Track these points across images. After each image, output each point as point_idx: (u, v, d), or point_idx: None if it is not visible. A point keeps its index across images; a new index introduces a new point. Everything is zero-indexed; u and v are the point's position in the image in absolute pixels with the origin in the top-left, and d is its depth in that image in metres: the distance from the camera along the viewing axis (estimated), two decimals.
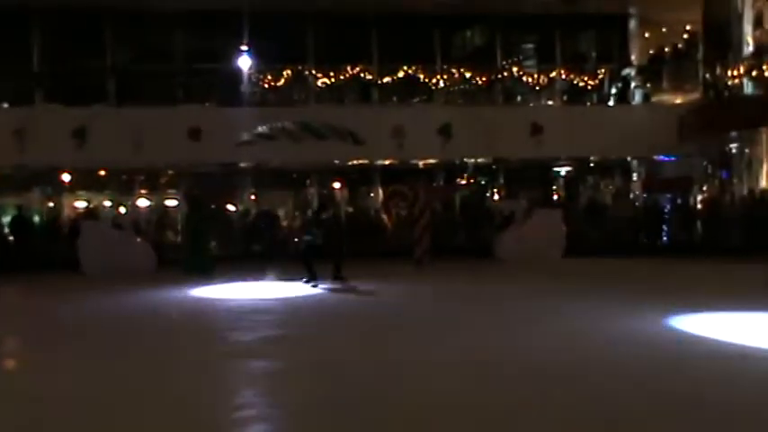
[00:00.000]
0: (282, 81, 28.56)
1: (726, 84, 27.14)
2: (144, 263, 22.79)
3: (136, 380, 8.90)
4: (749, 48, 27.41)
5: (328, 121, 27.46)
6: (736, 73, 26.84)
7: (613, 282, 18.44)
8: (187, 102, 27.80)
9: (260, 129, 27.27)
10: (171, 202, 29.41)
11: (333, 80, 28.68)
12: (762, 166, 27.50)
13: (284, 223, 28.66)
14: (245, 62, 28.20)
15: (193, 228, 22.79)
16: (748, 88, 26.66)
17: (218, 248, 25.92)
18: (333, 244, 18.98)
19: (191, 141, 26.62)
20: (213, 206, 27.38)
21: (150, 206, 29.20)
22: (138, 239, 24.30)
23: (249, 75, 28.35)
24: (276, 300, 16.22)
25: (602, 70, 30.37)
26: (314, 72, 28.79)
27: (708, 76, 28.53)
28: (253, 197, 30.06)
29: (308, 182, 30.35)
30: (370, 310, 14.55)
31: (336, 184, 30.64)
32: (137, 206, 28.91)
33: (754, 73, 26.21)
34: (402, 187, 25.17)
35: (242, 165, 28.84)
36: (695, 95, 29.05)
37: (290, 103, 28.52)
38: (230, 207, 29.53)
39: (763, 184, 27.16)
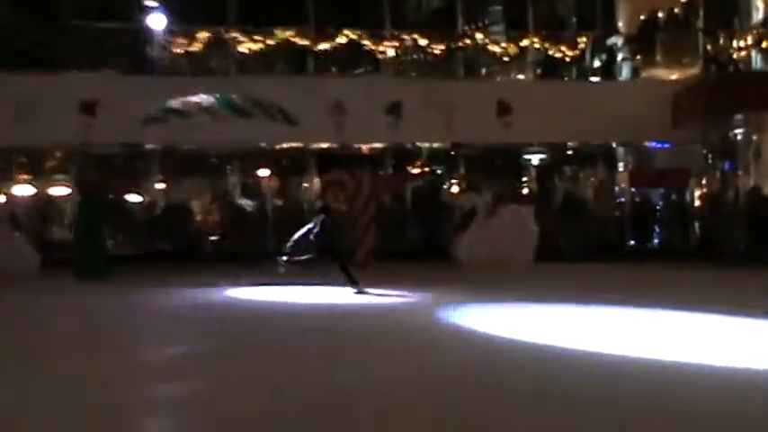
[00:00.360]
0: (198, 46, 28.62)
1: (730, 57, 27.59)
2: (22, 264, 22.56)
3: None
4: (758, 14, 27.58)
5: (254, 95, 27.52)
6: (742, 44, 27.30)
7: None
8: (79, 68, 27.40)
9: (170, 103, 27.18)
10: (58, 191, 28.94)
11: (259, 46, 28.82)
12: None
13: (198, 218, 28.81)
14: (153, 21, 28.07)
15: (87, 222, 22.55)
16: (757, 63, 26.99)
17: (117, 246, 26.03)
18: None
19: (84, 116, 26.38)
20: (111, 196, 27.42)
21: (32, 195, 28.61)
22: (16, 235, 23.93)
23: (158, 37, 28.33)
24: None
25: (584, 39, 30.70)
26: (236, 36, 28.79)
27: (709, 47, 28.92)
28: (161, 186, 29.72)
29: (228, 169, 30.30)
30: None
31: (263, 172, 30.54)
32: (14, 195, 28.26)
33: (764, 44, 26.59)
34: (342, 176, 24.66)
35: (148, 146, 28.61)
36: (694, 71, 29.32)
37: (208, 73, 28.57)
38: (133, 197, 29.21)
39: None
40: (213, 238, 28.17)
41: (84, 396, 8.82)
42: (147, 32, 28.22)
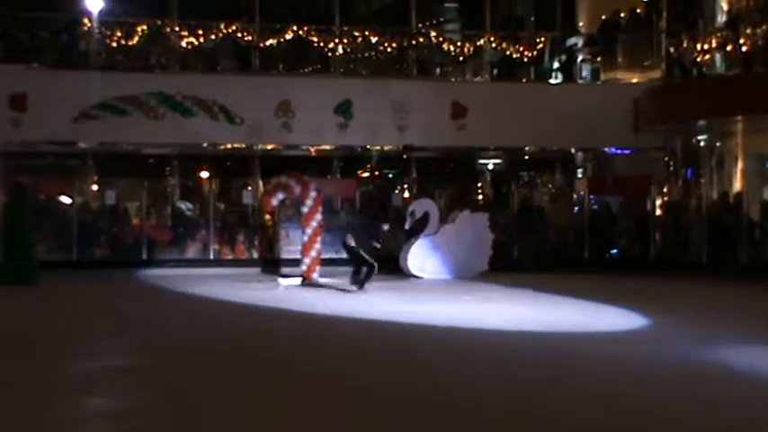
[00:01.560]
0: (136, 39, 28.21)
1: (694, 60, 27.24)
2: None
3: None
4: (722, 16, 27.62)
5: (195, 93, 27.41)
6: (706, 47, 27.00)
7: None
8: (7, 61, 27.16)
9: (106, 100, 26.94)
10: None
11: (201, 41, 28.48)
12: (735, 165, 27.74)
13: (135, 221, 28.40)
14: (90, 11, 27.64)
15: (11, 224, 22.34)
16: (721, 66, 26.80)
17: (47, 252, 25.54)
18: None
19: (13, 112, 26.16)
20: (42, 197, 27.01)
21: None
22: None
23: (93, 29, 27.88)
24: None
25: (542, 39, 30.48)
26: (177, 29, 28.43)
27: (672, 49, 28.75)
28: (95, 187, 29.45)
29: (167, 170, 30.09)
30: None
31: (204, 174, 30.59)
32: None
33: (728, 47, 26.31)
34: (287, 180, 24.33)
35: (81, 145, 28.35)
36: (656, 74, 29.27)
37: (147, 68, 28.50)
38: (64, 199, 28.56)
39: (737, 186, 27.35)
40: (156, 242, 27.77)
41: None
42: (81, 23, 27.94)
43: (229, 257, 27.79)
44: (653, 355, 12.59)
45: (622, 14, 30.42)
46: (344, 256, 22.17)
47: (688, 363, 12.02)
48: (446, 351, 12.97)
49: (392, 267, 24.24)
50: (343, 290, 20.81)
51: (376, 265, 20.50)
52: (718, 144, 28.33)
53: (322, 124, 28.02)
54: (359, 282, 20.57)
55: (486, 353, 12.78)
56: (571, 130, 28.30)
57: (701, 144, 28.67)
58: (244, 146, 29.07)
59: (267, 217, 28.31)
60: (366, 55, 29.54)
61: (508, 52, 30.08)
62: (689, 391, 10.32)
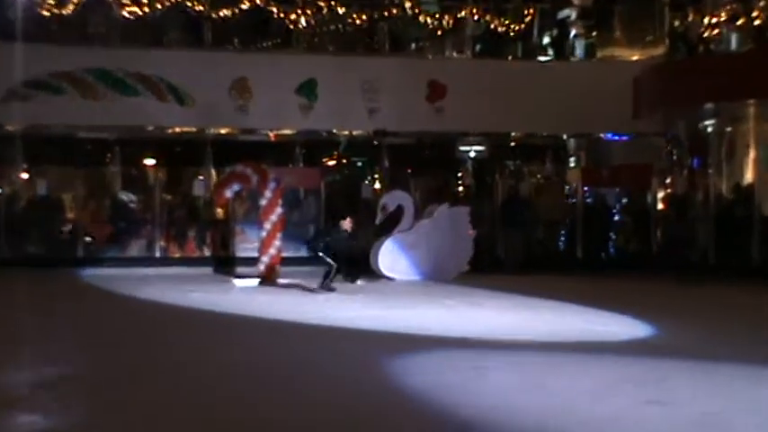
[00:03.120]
0: (72, 7, 28.24)
1: (700, 35, 27.54)
2: None
3: None
4: None
5: (139, 69, 27.55)
6: (714, 20, 27.25)
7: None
8: None
9: (37, 76, 26.97)
10: None
11: (146, 10, 28.56)
12: (747, 153, 27.86)
13: (70, 215, 28.49)
14: None
15: None
16: (731, 42, 27.18)
17: None
18: None
19: None
20: None
21: None
22: None
23: None
24: None
25: (530, 11, 30.64)
26: None
27: (676, 23, 29.13)
28: (24, 176, 29.47)
29: (107, 157, 30.20)
30: None
31: (149, 161, 30.47)
32: None
33: (739, 21, 26.65)
34: (243, 169, 24.15)
35: (8, 128, 28.21)
36: (658, 51, 29.49)
37: (84, 41, 28.61)
38: None
39: (748, 177, 27.49)
40: (88, 238, 27.88)
41: None
42: None
43: (178, 256, 27.73)
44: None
45: None
46: (306, 254, 22.51)
47: (713, 378, 11.40)
48: (425, 364, 12.29)
49: (362, 267, 24.15)
50: (306, 290, 20.83)
51: (334, 265, 20.63)
52: (727, 130, 28.36)
53: (283, 106, 27.98)
54: (323, 284, 20.77)
55: (481, 367, 11.94)
56: (562, 113, 28.38)
57: (709, 130, 28.61)
58: (194, 130, 29.12)
59: (220, 210, 28.15)
60: (332, 28, 29.79)
61: (492, 26, 30.21)
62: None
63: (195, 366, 11.94)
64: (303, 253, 23.44)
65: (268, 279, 22.64)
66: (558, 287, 22.17)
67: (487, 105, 28.09)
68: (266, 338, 14.77)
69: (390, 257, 24.50)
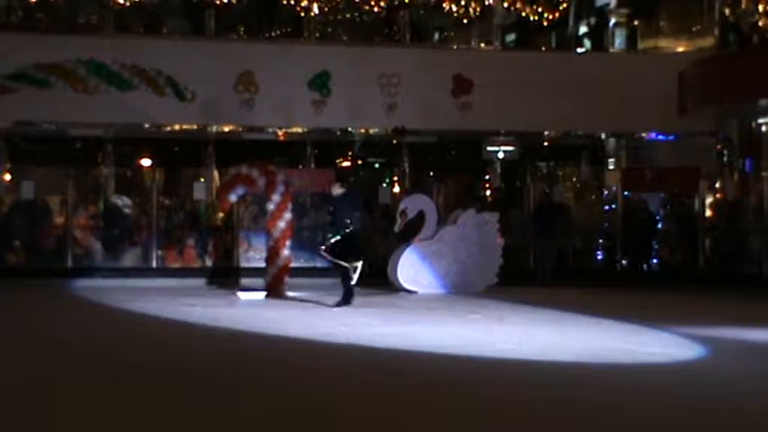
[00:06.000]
0: None
1: (754, 24, 27.66)
2: None
3: None
4: None
5: (135, 61, 27.53)
6: None
7: None
8: None
9: (23, 68, 26.93)
10: None
11: None
12: None
13: (58, 220, 28.43)
14: None
15: None
16: None
17: None
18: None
19: None
20: None
21: None
22: None
23: None
24: None
25: None
26: None
27: (727, 11, 29.04)
28: (7, 177, 29.58)
29: (99, 157, 30.13)
30: None
31: (146, 162, 30.61)
32: None
33: None
34: (249, 170, 24.10)
35: None
36: (706, 41, 29.60)
37: (74, 29, 28.94)
38: None
39: None
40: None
41: None
42: None
43: (176, 266, 27.81)
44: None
45: None
46: (319, 264, 23.02)
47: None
48: (451, 386, 12.25)
49: (380, 279, 24.35)
50: (318, 304, 20.90)
51: (349, 267, 20.71)
52: None
53: (292, 101, 28.05)
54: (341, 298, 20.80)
55: (510, 391, 12.02)
56: (601, 110, 28.57)
57: (763, 128, 28.61)
58: (195, 127, 29.01)
59: (224, 216, 28.29)
60: (347, 16, 30.21)
61: (523, 14, 30.40)
62: None
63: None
64: (315, 263, 23.83)
65: (275, 292, 22.70)
66: (594, 301, 22.29)
67: (518, 102, 28.18)
68: (280, 365, 14.38)
69: (411, 268, 24.63)
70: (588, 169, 31.81)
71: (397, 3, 29.75)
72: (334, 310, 20.12)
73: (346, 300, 20.47)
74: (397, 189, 30.32)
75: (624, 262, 28.39)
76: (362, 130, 30.14)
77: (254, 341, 16.35)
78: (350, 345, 15.79)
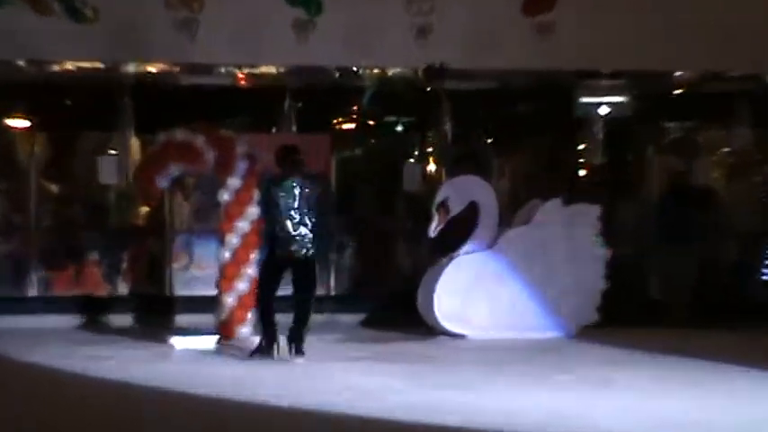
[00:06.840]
0: None
1: None
2: None
3: None
4: None
5: None
6: None
7: None
8: None
9: None
10: None
11: None
12: None
13: None
14: None
15: None
16: None
17: None
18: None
19: None
20: None
21: None
22: None
23: None
24: None
25: None
26: None
27: None
28: None
29: None
30: None
31: (19, 123, 30.91)
32: None
33: None
34: (190, 136, 24.82)
35: None
36: None
37: None
38: None
39: None
40: None
41: None
42: None
43: (71, 293, 28.33)
44: None
45: None
46: None
47: None
48: None
49: (405, 314, 24.84)
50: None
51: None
52: None
53: (260, 24, 27.83)
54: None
55: None
56: (758, 41, 28.27)
57: None
58: (101, 66, 29.22)
59: (148, 211, 29.26)
60: None
61: None
62: None
63: None
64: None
65: (230, 335, 23.20)
66: (757, 348, 22.39)
67: (630, 25, 27.87)
68: None
69: (455, 298, 24.75)
70: (748, 133, 31.68)
71: None
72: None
73: (264, 347, 21.21)
74: (431, 167, 30.80)
75: None
76: (375, 71, 30.17)
77: (204, 420, 16.05)
78: (358, 420, 15.62)
